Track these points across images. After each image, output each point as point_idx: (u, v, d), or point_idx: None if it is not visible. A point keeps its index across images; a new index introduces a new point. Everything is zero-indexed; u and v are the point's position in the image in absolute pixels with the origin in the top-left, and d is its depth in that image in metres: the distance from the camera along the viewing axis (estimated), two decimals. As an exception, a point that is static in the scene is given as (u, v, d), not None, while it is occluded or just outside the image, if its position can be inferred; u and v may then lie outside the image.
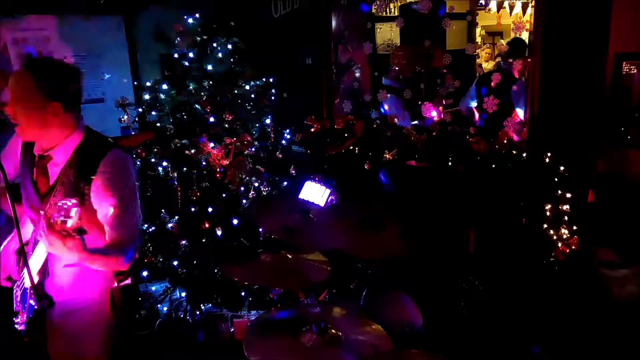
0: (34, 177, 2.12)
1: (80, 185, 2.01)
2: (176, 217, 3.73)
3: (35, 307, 2.03)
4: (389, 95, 4.10)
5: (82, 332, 2.17)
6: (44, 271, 2.09)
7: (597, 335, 2.31)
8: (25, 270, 1.98)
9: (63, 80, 1.99)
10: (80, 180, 2.02)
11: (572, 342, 2.43)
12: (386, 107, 4.27)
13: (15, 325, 2.05)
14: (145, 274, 3.73)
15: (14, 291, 2.17)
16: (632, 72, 3.29)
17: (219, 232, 3.67)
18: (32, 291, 2.03)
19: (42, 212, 2.00)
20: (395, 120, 4.03)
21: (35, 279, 2.06)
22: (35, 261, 2.08)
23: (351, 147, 4.00)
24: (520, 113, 4.12)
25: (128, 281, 2.25)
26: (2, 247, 2.26)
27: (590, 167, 3.25)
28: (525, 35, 5.77)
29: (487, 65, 6.99)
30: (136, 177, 2.19)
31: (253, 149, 3.90)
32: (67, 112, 2.01)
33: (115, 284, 2.19)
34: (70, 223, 1.76)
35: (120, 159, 2.07)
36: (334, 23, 4.47)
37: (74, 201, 1.77)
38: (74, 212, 1.76)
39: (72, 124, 2.05)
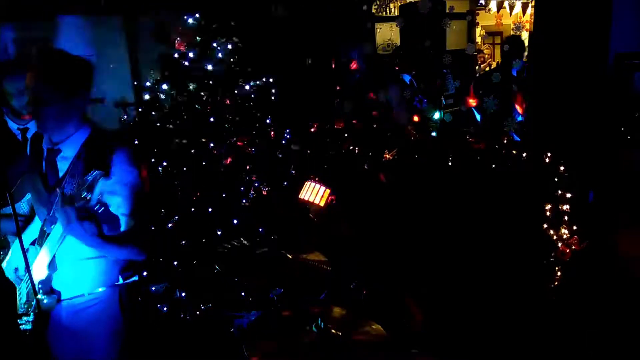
0: (42, 170, 2.15)
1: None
2: (176, 217, 3.73)
3: (45, 301, 2.04)
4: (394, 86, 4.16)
5: (90, 332, 2.16)
6: (53, 265, 2.09)
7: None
8: (30, 268, 1.99)
9: (86, 70, 2.06)
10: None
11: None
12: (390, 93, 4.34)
13: (21, 326, 2.05)
14: (145, 274, 3.72)
15: (18, 291, 2.17)
16: (632, 72, 3.29)
17: (219, 232, 3.68)
18: (40, 286, 2.04)
19: (58, 190, 2.01)
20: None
21: (45, 273, 2.07)
22: (45, 255, 2.08)
23: (351, 147, 4.01)
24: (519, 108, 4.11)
25: (135, 278, 2.25)
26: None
27: (590, 167, 3.25)
28: (525, 35, 5.76)
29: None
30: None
31: (253, 149, 3.90)
32: (86, 103, 2.07)
33: (122, 281, 2.20)
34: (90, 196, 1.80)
35: (128, 153, 2.10)
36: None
37: (97, 172, 1.80)
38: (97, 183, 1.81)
39: (85, 117, 2.11)
